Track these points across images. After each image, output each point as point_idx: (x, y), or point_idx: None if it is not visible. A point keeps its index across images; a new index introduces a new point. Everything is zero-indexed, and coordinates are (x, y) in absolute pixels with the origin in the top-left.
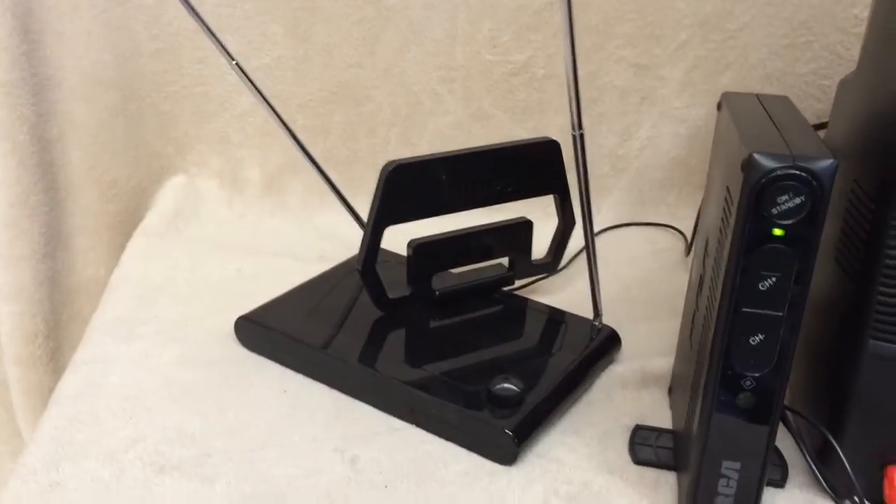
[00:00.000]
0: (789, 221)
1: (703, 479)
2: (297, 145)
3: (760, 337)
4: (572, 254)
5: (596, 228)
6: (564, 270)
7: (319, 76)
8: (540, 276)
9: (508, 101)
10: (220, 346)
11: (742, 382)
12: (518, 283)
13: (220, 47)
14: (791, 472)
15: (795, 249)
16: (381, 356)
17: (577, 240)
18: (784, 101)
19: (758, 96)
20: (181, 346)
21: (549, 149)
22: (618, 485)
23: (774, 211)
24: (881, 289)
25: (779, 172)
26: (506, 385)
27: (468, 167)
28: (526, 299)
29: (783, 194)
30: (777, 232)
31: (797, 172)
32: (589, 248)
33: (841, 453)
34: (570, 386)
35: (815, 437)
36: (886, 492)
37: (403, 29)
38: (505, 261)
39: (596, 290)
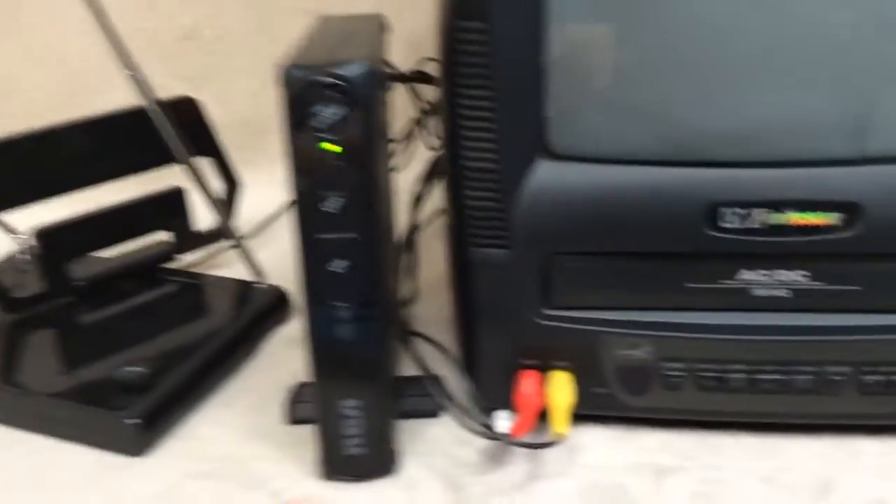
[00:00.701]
0: (337, 135)
1: (325, 424)
2: None
3: (344, 263)
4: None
5: None
6: (253, 239)
7: None
8: (229, 246)
9: (183, 68)
10: None
11: (337, 314)
12: (198, 256)
13: None
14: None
15: (351, 163)
16: (17, 368)
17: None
18: (373, 18)
19: (349, 16)
20: None
21: (185, 108)
22: (264, 449)
23: (318, 124)
24: (467, 192)
25: (311, 81)
26: (128, 370)
27: (68, 141)
28: (199, 275)
29: (320, 104)
30: (327, 147)
31: (330, 80)
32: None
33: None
34: (222, 356)
35: (460, 358)
36: (514, 396)
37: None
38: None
39: (245, 250)
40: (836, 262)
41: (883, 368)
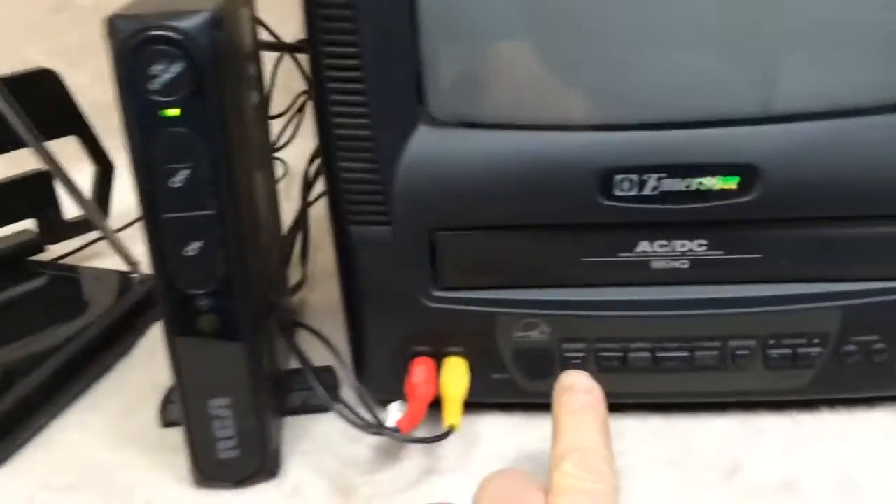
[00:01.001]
0: (175, 97)
1: (194, 426)
2: None
3: (197, 245)
4: None
5: None
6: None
7: None
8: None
9: (56, 44)
10: None
11: (196, 303)
12: (72, 246)
13: None
14: (345, 391)
15: (198, 131)
16: None
17: None
18: None
19: None
20: None
21: (43, 83)
22: (134, 456)
23: (154, 86)
24: (341, 164)
25: (144, 35)
26: None
27: None
28: (71, 266)
29: (156, 62)
30: (169, 112)
31: (164, 33)
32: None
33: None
34: (91, 355)
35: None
36: (406, 386)
37: None
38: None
39: (112, 237)
40: (735, 230)
41: (787, 341)
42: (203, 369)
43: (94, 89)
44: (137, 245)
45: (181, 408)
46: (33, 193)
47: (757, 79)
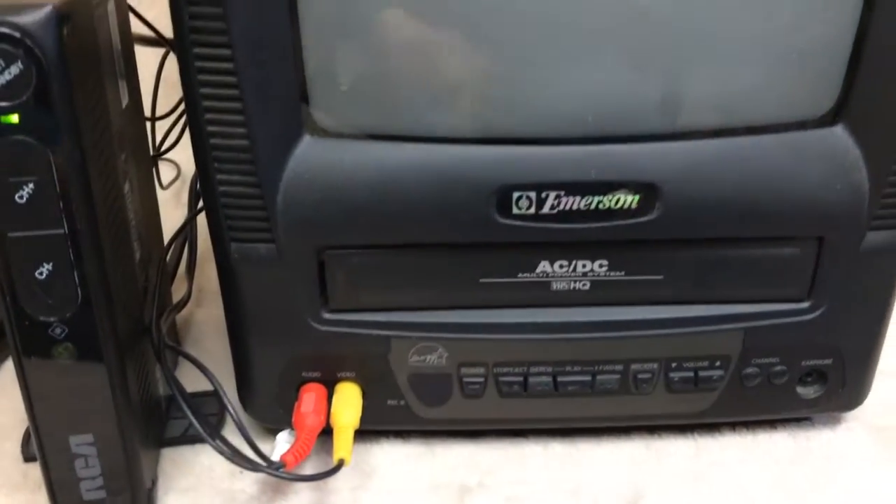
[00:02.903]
0: (15, 102)
1: (53, 465)
2: None
3: (47, 267)
4: None
5: None
6: None
7: None
8: None
9: None
10: None
11: (49, 331)
12: None
13: None
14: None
15: (41, 139)
16: None
17: None
18: None
19: None
20: None
21: None
22: None
23: None
24: (219, 177)
25: None
26: None
27: None
28: None
29: None
30: (8, 119)
31: (0, 30)
32: None
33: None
34: None
35: (237, 374)
36: (294, 416)
37: None
38: None
39: None
40: (636, 250)
41: (689, 364)
42: (61, 403)
43: None
44: None
45: (37, 446)
46: None
47: (656, 95)
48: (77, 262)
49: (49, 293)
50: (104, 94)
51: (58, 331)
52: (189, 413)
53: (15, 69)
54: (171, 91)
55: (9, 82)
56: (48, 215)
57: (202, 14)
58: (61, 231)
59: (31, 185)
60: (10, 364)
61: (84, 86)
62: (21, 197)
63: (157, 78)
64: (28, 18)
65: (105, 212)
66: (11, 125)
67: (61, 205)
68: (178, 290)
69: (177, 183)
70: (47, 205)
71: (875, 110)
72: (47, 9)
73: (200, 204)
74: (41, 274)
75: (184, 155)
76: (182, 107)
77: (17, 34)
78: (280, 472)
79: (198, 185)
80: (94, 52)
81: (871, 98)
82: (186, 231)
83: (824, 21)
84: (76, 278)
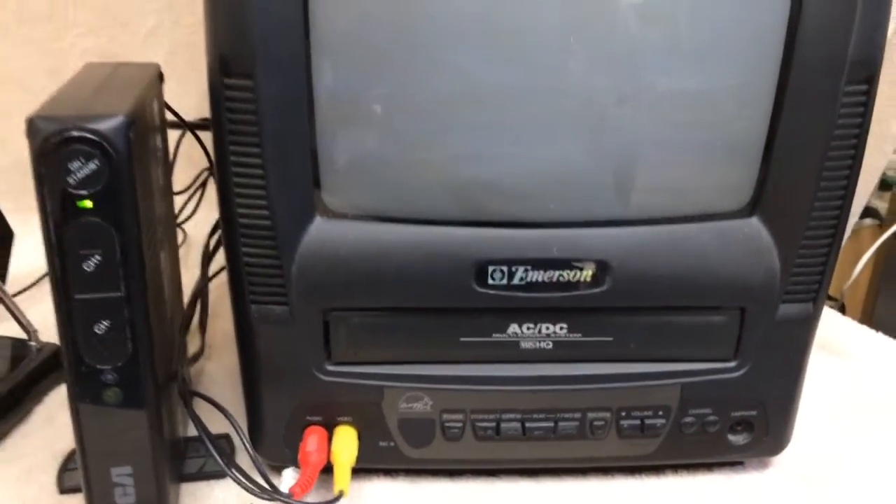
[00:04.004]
0: (90, 190)
1: (96, 492)
2: None
3: (106, 324)
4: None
5: None
6: (36, 291)
7: None
8: None
9: None
10: None
11: (102, 377)
12: None
13: None
14: (241, 457)
15: (109, 221)
16: None
17: None
18: (146, 67)
19: (119, 64)
20: None
21: None
22: None
23: (72, 180)
24: (244, 249)
25: (62, 136)
26: None
27: None
28: None
29: (74, 160)
30: (83, 204)
31: (82, 134)
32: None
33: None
34: None
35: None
36: (300, 454)
37: None
38: None
39: (11, 305)
40: (591, 316)
41: (636, 413)
42: (107, 438)
43: None
44: (32, 312)
45: (83, 475)
46: None
47: (608, 189)
48: (130, 320)
49: (105, 345)
50: (151, 176)
51: (109, 377)
52: (212, 449)
53: (92, 165)
54: (182, 166)
55: (87, 176)
56: (109, 281)
57: (238, 120)
58: (119, 294)
59: (97, 257)
60: (40, 409)
61: (141, 175)
62: (88, 266)
63: (174, 155)
64: (105, 125)
65: (150, 278)
66: (86, 209)
67: (120, 272)
68: (189, 344)
69: (183, 247)
70: (109, 273)
71: (782, 206)
72: (120, 118)
73: (212, 270)
74: (100, 329)
75: (190, 223)
76: (196, 184)
77: (96, 138)
78: (291, 501)
79: (210, 252)
80: (147, 146)
81: (778, 196)
82: (200, 292)
83: (739, 138)
84: (128, 333)
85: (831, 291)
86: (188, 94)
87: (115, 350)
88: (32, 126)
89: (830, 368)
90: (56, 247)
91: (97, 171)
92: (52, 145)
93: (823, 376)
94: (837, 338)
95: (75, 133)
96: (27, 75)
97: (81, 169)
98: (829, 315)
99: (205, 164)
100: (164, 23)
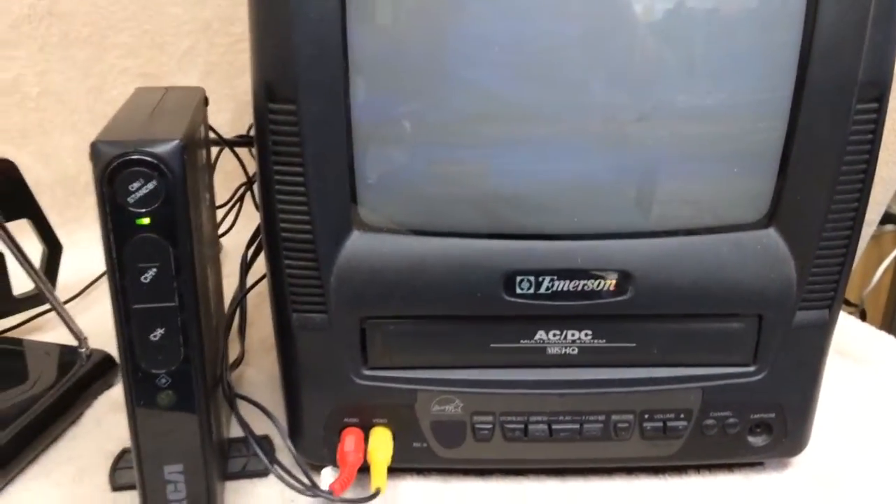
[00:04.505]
0: (148, 209)
1: (149, 489)
2: None
3: (161, 331)
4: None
5: None
6: (81, 300)
7: None
8: (44, 310)
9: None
10: None
11: (157, 381)
12: (18, 319)
13: None
14: (281, 457)
15: (165, 237)
16: None
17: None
18: (193, 91)
19: (168, 89)
20: None
21: (2, 171)
22: None
23: (131, 200)
24: (286, 262)
25: (123, 159)
26: None
27: None
28: (18, 340)
29: (133, 181)
30: (142, 221)
31: (141, 157)
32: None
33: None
34: (40, 425)
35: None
36: (338, 454)
37: None
38: None
39: (64, 314)
40: (615, 323)
41: (658, 416)
42: (160, 439)
43: (37, 168)
44: (78, 320)
45: (137, 474)
46: None
47: (631, 202)
48: (182, 328)
49: (159, 351)
50: (201, 194)
51: (163, 381)
52: (258, 448)
53: (150, 185)
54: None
55: (145, 195)
56: (164, 292)
57: (281, 142)
58: (173, 304)
59: (153, 270)
60: (90, 413)
61: (193, 193)
62: (146, 278)
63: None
64: (162, 149)
65: (200, 288)
66: (144, 226)
67: (174, 284)
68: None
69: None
70: (164, 284)
71: (798, 217)
72: (175, 141)
73: (250, 280)
74: (155, 336)
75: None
76: (235, 197)
77: (155, 160)
78: (332, 498)
79: (247, 262)
80: (197, 165)
81: (793, 209)
82: (240, 302)
83: (755, 153)
84: (181, 340)
85: (852, 297)
86: (223, 112)
87: (169, 356)
88: (95, 150)
89: (850, 374)
90: (116, 261)
91: (155, 190)
92: (113, 168)
93: (843, 381)
94: (858, 344)
95: (135, 156)
96: (69, 95)
97: (140, 189)
98: (849, 321)
99: (237, 176)
100: (198, 44)
